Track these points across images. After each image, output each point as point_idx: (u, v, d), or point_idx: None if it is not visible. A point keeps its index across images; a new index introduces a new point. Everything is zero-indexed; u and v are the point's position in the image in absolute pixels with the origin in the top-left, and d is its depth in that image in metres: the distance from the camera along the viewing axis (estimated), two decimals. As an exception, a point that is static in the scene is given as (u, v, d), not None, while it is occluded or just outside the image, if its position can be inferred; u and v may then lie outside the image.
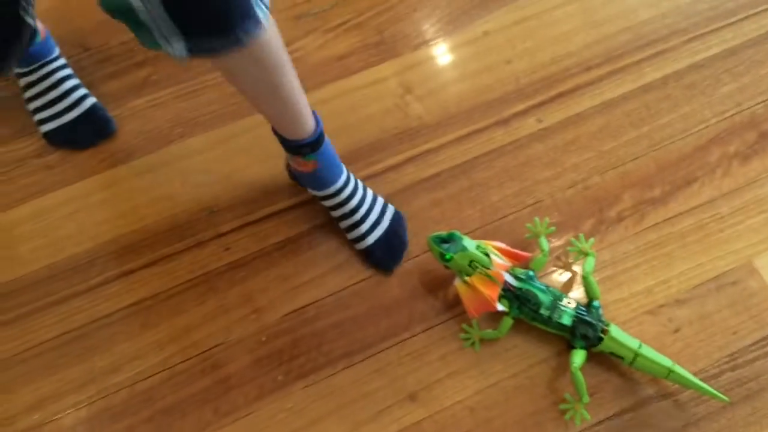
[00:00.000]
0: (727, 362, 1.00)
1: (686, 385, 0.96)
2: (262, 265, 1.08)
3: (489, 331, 1.02)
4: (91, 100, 1.17)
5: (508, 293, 0.99)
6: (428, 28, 1.26)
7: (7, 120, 1.18)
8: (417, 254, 1.08)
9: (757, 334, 1.02)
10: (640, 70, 1.20)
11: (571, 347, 0.99)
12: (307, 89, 1.19)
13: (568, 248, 1.07)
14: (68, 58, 1.20)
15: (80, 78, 1.19)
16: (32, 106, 1.16)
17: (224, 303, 1.06)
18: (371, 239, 1.07)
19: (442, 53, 1.24)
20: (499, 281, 0.97)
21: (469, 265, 0.98)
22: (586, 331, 0.97)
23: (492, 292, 0.97)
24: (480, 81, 1.21)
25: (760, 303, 1.03)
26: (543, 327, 1.00)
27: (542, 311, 0.98)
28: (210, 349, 1.03)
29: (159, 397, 1.01)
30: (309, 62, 1.23)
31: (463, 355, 1.02)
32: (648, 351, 0.96)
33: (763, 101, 1.17)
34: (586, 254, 1.05)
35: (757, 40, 1.22)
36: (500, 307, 0.98)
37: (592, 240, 1.07)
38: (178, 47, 0.72)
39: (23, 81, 1.15)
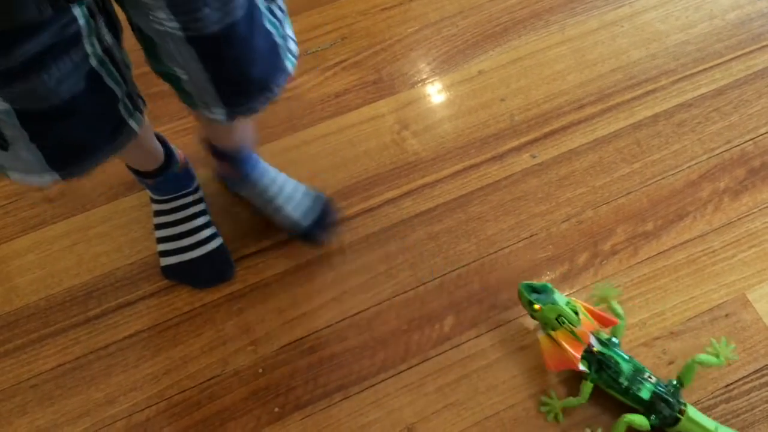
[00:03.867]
0: (722, 394, 1.00)
1: None
2: (260, 297, 1.09)
3: (570, 399, 0.99)
4: (217, 242, 1.12)
5: (590, 356, 0.98)
6: (425, 66, 1.29)
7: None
8: (413, 286, 1.09)
9: (750, 366, 1.02)
10: (631, 108, 1.23)
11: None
12: (305, 126, 1.23)
13: (706, 349, 1.03)
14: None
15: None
16: (159, 234, 1.12)
17: (221, 335, 1.06)
18: (303, 221, 1.10)
19: (438, 91, 1.27)
20: (585, 341, 0.97)
21: (557, 320, 0.98)
22: (662, 409, 0.95)
23: (576, 351, 0.97)
24: (475, 118, 1.23)
25: (753, 335, 1.04)
26: (619, 397, 0.98)
27: (622, 380, 0.97)
28: (207, 380, 1.03)
29: (155, 430, 1.00)
30: (307, 99, 1.25)
31: (460, 386, 1.02)
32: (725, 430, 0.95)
33: (752, 139, 1.20)
34: (716, 356, 1.01)
35: (745, 79, 1.25)
36: (582, 367, 0.97)
37: (731, 346, 1.03)
38: (219, 113, 0.76)
39: (155, 207, 1.12)
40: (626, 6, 1.33)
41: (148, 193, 1.12)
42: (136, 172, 1.04)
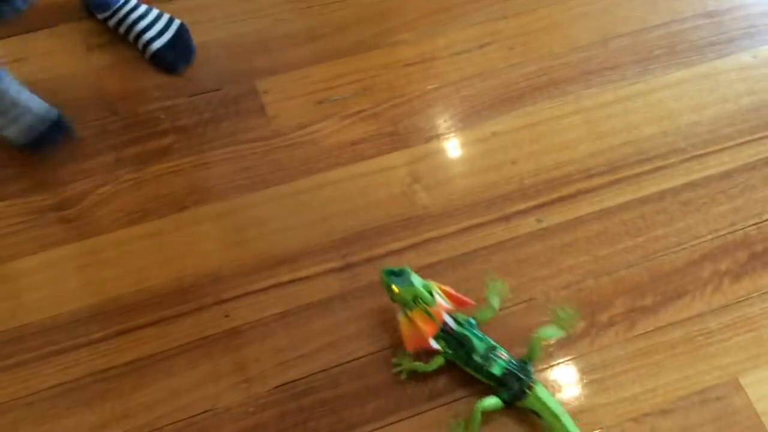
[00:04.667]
0: (707, 478, 1.01)
1: None
2: (259, 335, 1.11)
3: (419, 364, 1.06)
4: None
5: (447, 335, 1.05)
6: (441, 123, 1.32)
7: (29, 173, 1.23)
8: (410, 339, 1.10)
9: (737, 451, 1.03)
10: (639, 182, 1.25)
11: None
12: (320, 170, 1.26)
13: (550, 307, 1.12)
14: (96, 120, 1.27)
15: (105, 140, 1.25)
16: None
17: (217, 369, 1.08)
18: (158, 44, 1.31)
19: (451, 148, 1.30)
20: (438, 320, 1.04)
21: (413, 300, 1.04)
22: (513, 384, 1.02)
23: (429, 329, 1.03)
24: (486, 177, 1.26)
25: (743, 421, 1.04)
26: (474, 373, 1.05)
27: (475, 357, 1.04)
28: (198, 414, 1.04)
29: (143, 458, 1.01)
30: (324, 144, 1.29)
31: (447, 444, 1.03)
32: (567, 420, 1.00)
33: (756, 224, 1.22)
34: (560, 326, 1.10)
35: (753, 165, 1.28)
36: (434, 344, 1.03)
37: (575, 314, 1.11)
38: None
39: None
40: (641, 83, 1.36)
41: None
42: None
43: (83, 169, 1.22)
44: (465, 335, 1.05)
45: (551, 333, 1.09)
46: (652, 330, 1.12)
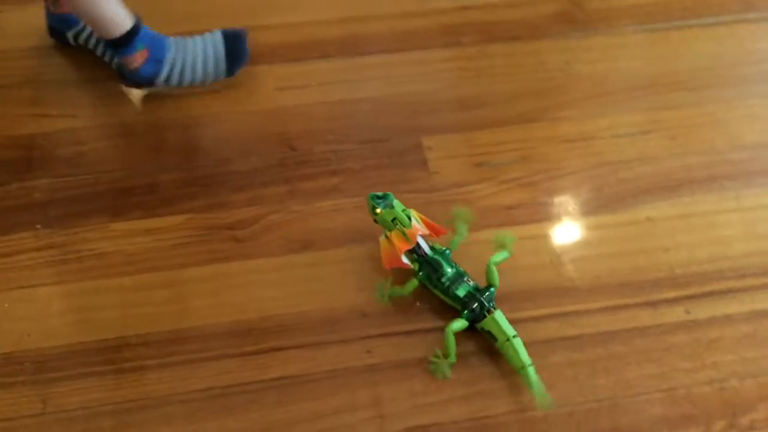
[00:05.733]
0: None
1: (529, 384, 1.10)
2: (397, 376, 1.16)
3: (397, 287, 1.21)
4: (218, 33, 1.43)
5: (421, 258, 1.19)
6: (595, 201, 1.35)
7: (212, 192, 1.35)
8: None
9: None
10: (796, 290, 1.23)
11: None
12: (472, 228, 1.31)
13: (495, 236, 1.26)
14: (276, 154, 1.39)
15: (282, 173, 1.36)
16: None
17: (354, 401, 1.13)
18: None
19: (603, 226, 1.32)
20: (412, 240, 1.18)
21: (392, 221, 1.19)
22: (474, 307, 1.15)
23: (403, 247, 1.18)
24: (635, 261, 1.27)
25: None
26: (441, 295, 1.19)
27: (444, 280, 1.18)
28: (333, 440, 1.10)
29: (277, 472, 1.07)
30: (479, 205, 1.34)
31: None
32: (518, 342, 1.12)
33: None
34: (503, 248, 1.24)
35: None
36: (405, 260, 1.18)
37: (512, 238, 1.23)
38: None
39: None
40: (808, 189, 1.35)
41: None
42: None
43: (259, 195, 1.33)
44: (437, 260, 1.19)
45: (501, 257, 1.22)
46: (797, 443, 1.08)
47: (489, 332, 1.15)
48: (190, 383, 1.15)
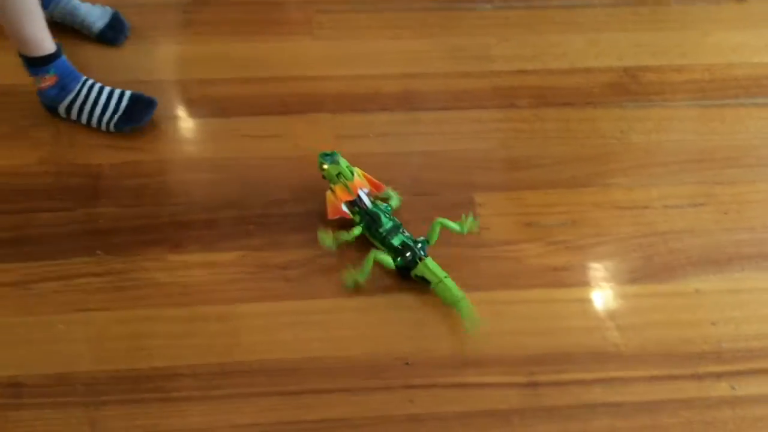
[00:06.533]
0: None
1: (462, 314, 1.25)
2: (437, 427, 1.16)
3: (343, 233, 1.34)
4: (128, 93, 1.53)
5: (361, 210, 1.34)
6: (643, 268, 1.36)
7: (267, 233, 1.39)
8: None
9: None
10: None
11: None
12: (518, 286, 1.32)
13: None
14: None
15: (335, 220, 1.40)
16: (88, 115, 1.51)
17: (393, 450, 1.14)
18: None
19: (651, 294, 1.33)
20: (354, 193, 1.33)
21: (337, 176, 1.34)
22: (407, 255, 1.29)
23: (344, 197, 1.33)
24: (682, 332, 1.27)
25: None
26: (378, 244, 1.32)
27: (381, 230, 1.31)
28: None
29: None
30: (527, 264, 1.36)
31: None
32: (449, 282, 1.26)
33: None
34: (461, 224, 1.37)
35: None
36: (345, 209, 1.33)
37: (475, 222, 1.39)
38: None
39: (68, 99, 1.50)
40: None
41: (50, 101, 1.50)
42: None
43: (312, 238, 1.36)
44: (376, 213, 1.33)
45: (452, 226, 1.35)
46: None
47: (422, 277, 1.29)
48: (233, 418, 1.16)
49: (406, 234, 1.32)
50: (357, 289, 1.31)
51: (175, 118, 1.57)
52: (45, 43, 1.42)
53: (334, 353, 1.24)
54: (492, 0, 1.87)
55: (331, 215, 1.35)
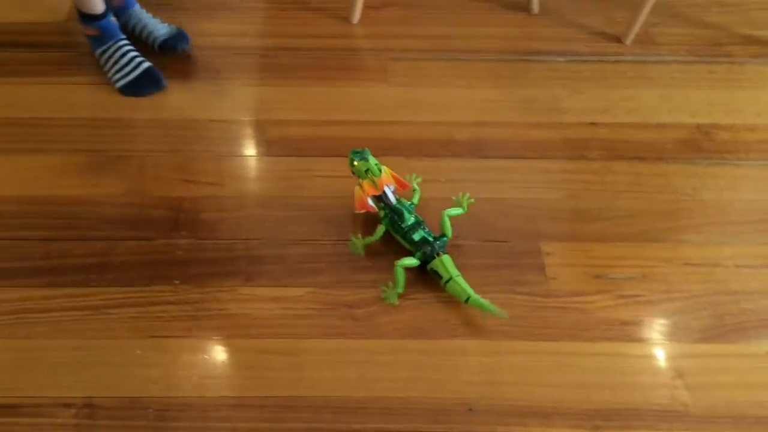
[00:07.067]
0: None
1: (480, 307, 1.32)
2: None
3: (368, 238, 1.43)
4: (147, 63, 1.79)
5: (386, 206, 1.42)
6: (714, 327, 1.33)
7: (336, 270, 1.42)
8: None
9: None
10: None
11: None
12: (585, 338, 1.32)
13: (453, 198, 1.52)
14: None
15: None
16: (107, 68, 1.81)
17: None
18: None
19: (721, 355, 1.30)
20: (380, 188, 1.42)
21: (365, 172, 1.42)
22: (426, 249, 1.38)
23: (370, 191, 1.42)
24: (753, 394, 1.24)
25: None
26: (399, 239, 1.42)
27: (403, 225, 1.40)
28: None
29: None
30: (594, 316, 1.35)
31: None
32: (460, 280, 1.34)
33: None
34: (460, 206, 1.49)
35: None
36: (371, 203, 1.44)
37: (470, 200, 1.51)
38: None
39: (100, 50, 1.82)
40: None
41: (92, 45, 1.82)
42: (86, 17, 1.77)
43: (379, 278, 1.39)
44: (399, 209, 1.42)
45: (455, 212, 1.47)
46: None
47: (436, 272, 1.37)
48: (297, 452, 1.18)
49: (427, 230, 1.41)
50: (421, 332, 1.32)
51: (252, 156, 1.63)
52: (96, 5, 1.75)
53: (397, 394, 1.25)
54: (564, 53, 1.90)
55: (358, 208, 1.46)
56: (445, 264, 1.36)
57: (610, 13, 2.07)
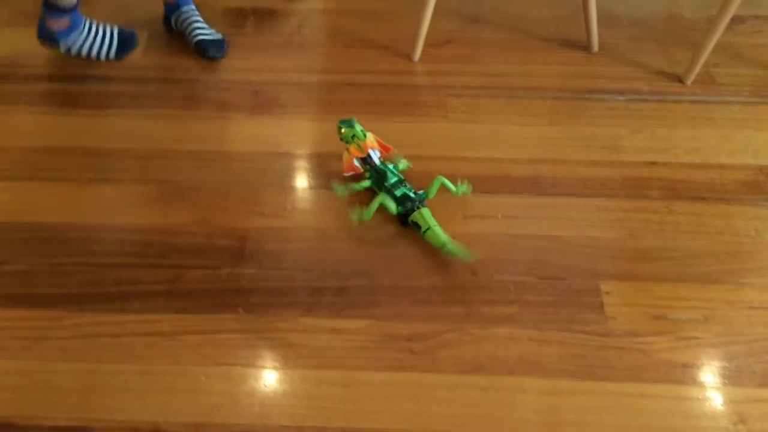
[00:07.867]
0: None
1: (456, 254, 1.48)
2: None
3: (356, 184, 1.62)
4: (115, 27, 1.99)
5: (371, 167, 1.62)
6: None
7: (396, 303, 1.45)
8: None
9: None
10: None
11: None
12: (645, 379, 1.31)
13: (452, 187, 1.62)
14: (456, 276, 1.47)
15: (463, 295, 1.44)
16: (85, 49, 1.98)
17: None
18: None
19: (787, 402, 1.27)
20: (365, 151, 1.61)
21: (352, 138, 1.63)
22: (407, 204, 1.55)
23: (356, 154, 1.61)
24: (823, 445, 1.21)
25: None
26: (383, 196, 1.56)
27: (386, 183, 1.57)
28: None
29: None
30: (654, 357, 1.34)
31: None
32: (438, 230, 1.50)
33: None
34: (457, 190, 1.62)
35: None
36: (357, 164, 1.62)
37: (468, 189, 1.64)
38: None
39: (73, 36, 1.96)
40: None
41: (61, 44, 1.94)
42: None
43: (438, 312, 1.41)
44: (383, 169, 1.60)
45: (449, 185, 1.60)
46: None
47: (416, 223, 1.52)
48: (355, 483, 1.20)
49: (408, 187, 1.57)
50: (480, 368, 1.33)
51: (315, 188, 1.68)
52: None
53: (456, 430, 1.26)
54: (623, 92, 1.91)
55: (346, 171, 1.63)
56: (424, 216, 1.52)
57: (670, 53, 2.07)
